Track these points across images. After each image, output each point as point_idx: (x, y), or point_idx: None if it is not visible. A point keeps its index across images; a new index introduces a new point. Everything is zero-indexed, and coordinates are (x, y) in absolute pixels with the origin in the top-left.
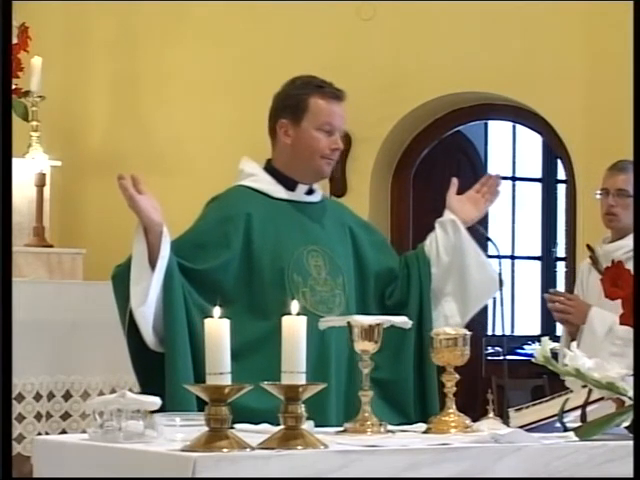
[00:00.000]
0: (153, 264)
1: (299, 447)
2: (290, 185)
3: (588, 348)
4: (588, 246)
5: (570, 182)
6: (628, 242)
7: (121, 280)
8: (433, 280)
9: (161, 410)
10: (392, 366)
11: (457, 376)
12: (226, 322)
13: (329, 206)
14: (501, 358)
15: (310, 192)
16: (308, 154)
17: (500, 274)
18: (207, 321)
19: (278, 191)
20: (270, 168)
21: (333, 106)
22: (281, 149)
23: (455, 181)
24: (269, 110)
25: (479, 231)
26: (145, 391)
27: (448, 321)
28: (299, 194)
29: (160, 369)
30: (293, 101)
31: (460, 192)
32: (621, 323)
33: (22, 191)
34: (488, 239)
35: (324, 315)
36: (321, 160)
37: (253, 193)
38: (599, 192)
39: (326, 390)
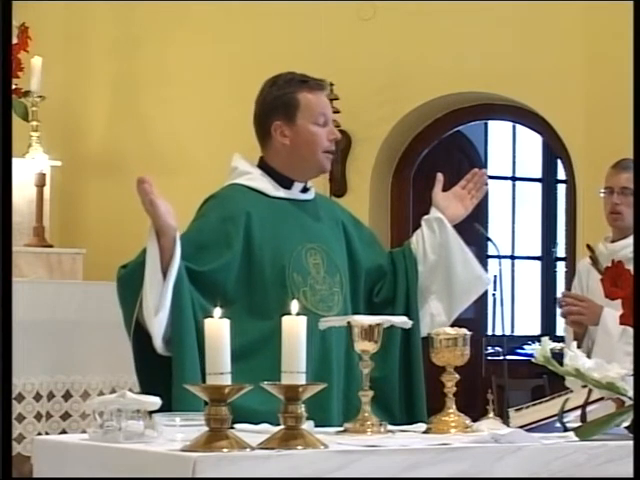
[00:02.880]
0: (165, 269)
1: (299, 447)
2: (286, 183)
3: (603, 349)
4: (588, 246)
5: (570, 182)
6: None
7: (129, 283)
8: (420, 278)
9: (167, 410)
10: (378, 363)
11: (457, 376)
12: (226, 322)
13: (322, 203)
14: (501, 358)
15: (305, 190)
16: (310, 150)
17: (500, 274)
18: (207, 321)
19: (275, 189)
20: (264, 166)
21: (321, 97)
22: (278, 150)
23: (440, 177)
24: (255, 115)
25: (479, 231)
26: (147, 393)
27: (434, 319)
28: (295, 192)
29: (164, 371)
30: (282, 101)
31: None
32: (621, 323)
33: (22, 191)
34: (488, 239)
35: (324, 314)
36: (322, 155)
37: (250, 192)
38: (603, 190)
39: (328, 389)
